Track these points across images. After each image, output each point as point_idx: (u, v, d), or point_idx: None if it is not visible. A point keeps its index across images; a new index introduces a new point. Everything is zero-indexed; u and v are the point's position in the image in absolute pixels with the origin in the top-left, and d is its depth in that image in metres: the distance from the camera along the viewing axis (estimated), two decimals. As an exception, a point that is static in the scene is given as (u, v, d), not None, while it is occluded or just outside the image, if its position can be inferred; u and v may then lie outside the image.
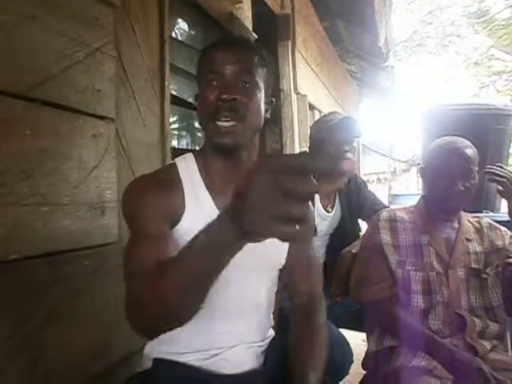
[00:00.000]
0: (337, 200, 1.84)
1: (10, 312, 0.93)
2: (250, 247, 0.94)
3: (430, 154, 1.36)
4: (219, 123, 0.87)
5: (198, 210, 0.91)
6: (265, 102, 0.94)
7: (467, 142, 1.31)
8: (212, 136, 0.90)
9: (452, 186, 1.26)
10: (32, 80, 0.98)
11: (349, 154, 1.69)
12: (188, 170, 0.95)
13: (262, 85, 0.93)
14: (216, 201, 0.94)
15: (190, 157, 0.99)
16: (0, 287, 0.91)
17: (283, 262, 1.03)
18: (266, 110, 0.96)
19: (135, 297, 0.73)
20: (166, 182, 0.92)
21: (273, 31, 3.44)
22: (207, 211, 0.92)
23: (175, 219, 0.90)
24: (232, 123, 0.87)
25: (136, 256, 0.81)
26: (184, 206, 0.91)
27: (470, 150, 1.29)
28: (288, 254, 1.03)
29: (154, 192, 0.88)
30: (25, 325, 0.96)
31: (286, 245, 1.03)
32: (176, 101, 1.78)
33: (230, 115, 0.86)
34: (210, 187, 0.95)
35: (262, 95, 0.93)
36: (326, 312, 1.04)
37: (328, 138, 1.69)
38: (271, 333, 1.07)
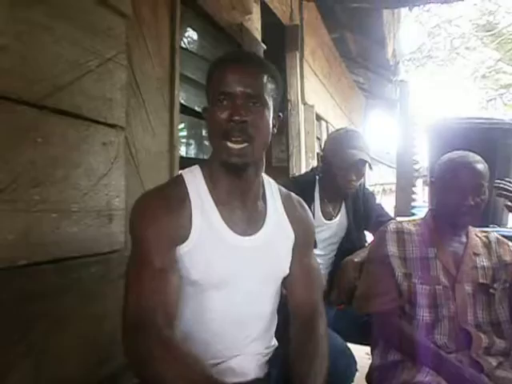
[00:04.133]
0: (343, 209, 1.84)
1: (17, 317, 0.94)
2: (253, 257, 0.95)
3: (440, 167, 1.35)
4: (230, 144, 0.90)
5: (206, 224, 0.94)
6: (272, 118, 0.96)
7: (478, 157, 1.31)
8: (222, 155, 0.92)
9: (462, 200, 1.26)
10: (45, 88, 1.00)
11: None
12: (196, 183, 0.97)
13: (270, 103, 0.95)
14: (222, 214, 0.96)
15: (196, 170, 1.01)
16: (8, 292, 0.92)
17: (287, 271, 1.04)
18: (274, 126, 0.98)
19: (136, 344, 0.81)
20: (175, 200, 0.93)
21: (281, 42, 3.47)
22: (214, 224, 0.94)
23: (183, 237, 0.92)
24: (242, 146, 0.90)
25: (139, 296, 0.85)
26: (191, 222, 0.93)
27: (481, 165, 1.28)
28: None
29: (161, 216, 0.90)
30: (31, 330, 0.97)
31: (290, 254, 1.04)
32: (184, 110, 1.80)
33: (240, 136, 0.89)
34: (217, 200, 0.97)
35: (270, 113, 0.95)
36: (326, 322, 1.05)
37: (335, 152, 1.72)
38: (275, 342, 1.08)
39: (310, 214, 1.12)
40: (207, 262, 0.93)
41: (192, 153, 2.07)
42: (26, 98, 0.95)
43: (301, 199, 1.12)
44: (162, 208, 0.91)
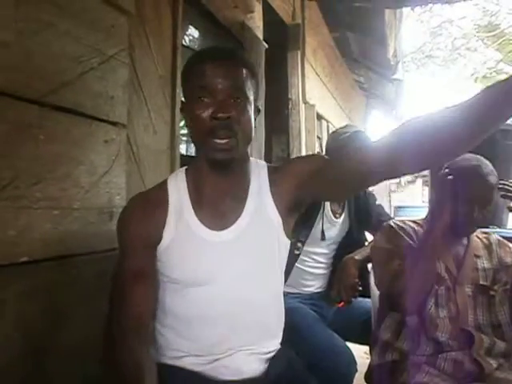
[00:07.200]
0: (346, 208, 1.85)
1: (18, 313, 0.94)
2: (231, 251, 0.95)
3: (451, 173, 1.27)
4: (215, 140, 0.89)
5: (181, 224, 0.96)
6: (253, 111, 0.96)
7: (490, 167, 1.27)
8: (208, 152, 0.92)
9: (470, 212, 1.23)
10: (47, 86, 1.00)
11: None
12: (176, 185, 0.99)
13: (251, 97, 0.94)
14: (198, 211, 0.97)
15: (181, 172, 1.02)
16: (10, 289, 0.92)
17: (277, 259, 1.01)
18: (255, 119, 0.98)
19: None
20: (152, 204, 0.97)
21: (283, 41, 3.47)
22: (188, 223, 0.96)
23: (158, 239, 0.95)
24: (227, 140, 0.89)
25: (113, 304, 0.95)
26: (165, 221, 0.96)
27: (493, 177, 1.25)
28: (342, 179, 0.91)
29: (135, 221, 0.96)
30: (32, 326, 0.97)
31: (278, 240, 1.00)
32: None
33: (225, 133, 0.89)
34: (196, 200, 0.97)
35: (251, 107, 0.94)
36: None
37: (340, 150, 1.74)
38: (277, 343, 1.05)
39: (307, 156, 1.10)
40: (183, 259, 0.95)
41: (193, 151, 2.07)
42: (28, 95, 0.95)
43: (295, 158, 1.11)
44: (136, 214, 0.96)
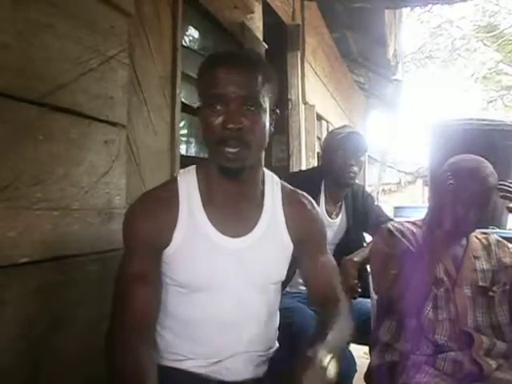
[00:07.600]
0: (343, 209, 1.85)
1: (18, 314, 0.94)
2: (241, 260, 0.95)
3: (451, 173, 1.27)
4: (226, 149, 0.87)
5: (192, 226, 0.94)
6: (269, 115, 0.94)
7: (490, 168, 1.26)
8: (218, 160, 0.91)
9: (467, 214, 1.23)
10: (47, 86, 1.00)
11: (354, 168, 1.72)
12: (187, 185, 0.97)
13: (266, 104, 0.91)
14: (210, 215, 0.95)
15: (192, 170, 1.00)
16: (10, 290, 0.92)
17: (283, 276, 1.03)
18: (271, 124, 0.96)
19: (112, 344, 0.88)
20: (161, 204, 0.94)
21: (283, 41, 3.47)
22: (200, 226, 0.94)
23: (166, 241, 0.93)
24: (238, 149, 0.87)
25: (115, 306, 0.93)
26: (175, 225, 0.93)
27: (493, 178, 1.25)
28: (302, 264, 1.07)
29: (143, 222, 0.93)
30: (32, 327, 0.97)
31: (287, 259, 1.02)
32: (186, 108, 1.80)
33: (236, 143, 0.87)
34: (208, 202, 0.96)
35: (266, 114, 0.92)
36: (350, 315, 1.02)
37: (336, 151, 1.75)
38: (276, 344, 1.06)
39: (317, 211, 1.08)
40: (193, 263, 0.93)
41: (193, 151, 2.07)
42: (27, 96, 0.95)
43: (307, 196, 1.08)
44: (145, 214, 0.93)
